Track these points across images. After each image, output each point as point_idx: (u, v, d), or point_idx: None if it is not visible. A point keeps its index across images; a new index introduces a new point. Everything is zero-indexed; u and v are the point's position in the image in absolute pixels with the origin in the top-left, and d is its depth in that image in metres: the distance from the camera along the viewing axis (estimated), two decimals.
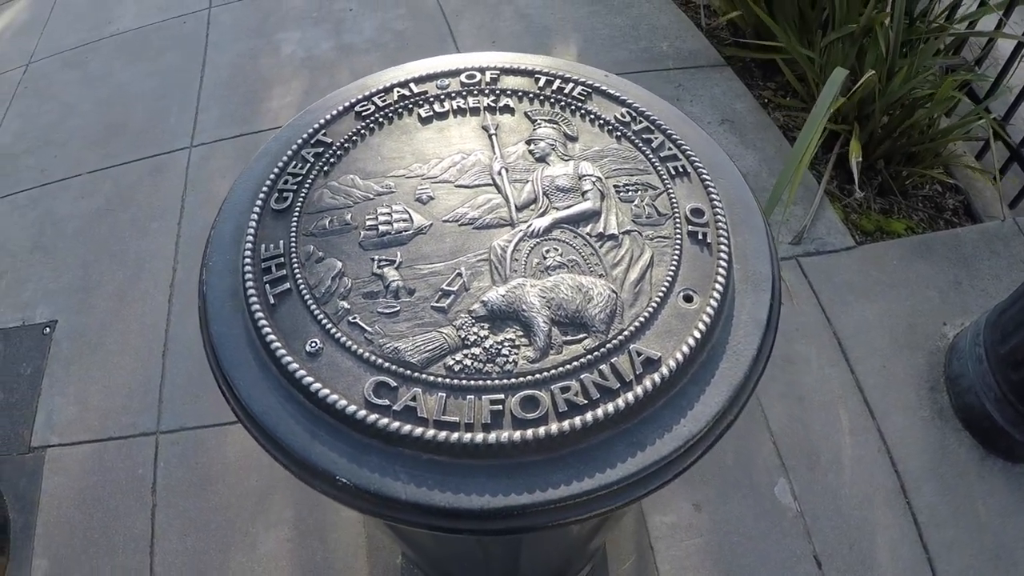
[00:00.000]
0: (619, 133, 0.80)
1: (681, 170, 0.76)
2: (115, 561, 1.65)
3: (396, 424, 0.57)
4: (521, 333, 0.62)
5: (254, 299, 0.65)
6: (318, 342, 0.63)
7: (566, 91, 0.85)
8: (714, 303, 0.64)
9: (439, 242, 0.70)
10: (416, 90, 0.86)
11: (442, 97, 0.85)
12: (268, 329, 0.63)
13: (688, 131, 0.82)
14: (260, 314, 0.65)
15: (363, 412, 0.58)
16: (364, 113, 0.84)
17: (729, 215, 0.73)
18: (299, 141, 0.80)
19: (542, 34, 2.63)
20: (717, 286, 0.65)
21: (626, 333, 0.62)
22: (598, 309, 0.63)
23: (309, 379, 0.60)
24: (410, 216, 0.71)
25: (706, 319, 0.63)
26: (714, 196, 0.73)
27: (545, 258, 0.67)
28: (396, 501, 0.56)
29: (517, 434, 0.56)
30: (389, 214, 0.71)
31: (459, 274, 0.66)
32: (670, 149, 0.78)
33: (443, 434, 0.57)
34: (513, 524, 0.56)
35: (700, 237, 0.69)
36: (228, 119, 2.55)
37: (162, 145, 2.48)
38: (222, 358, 0.64)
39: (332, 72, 2.61)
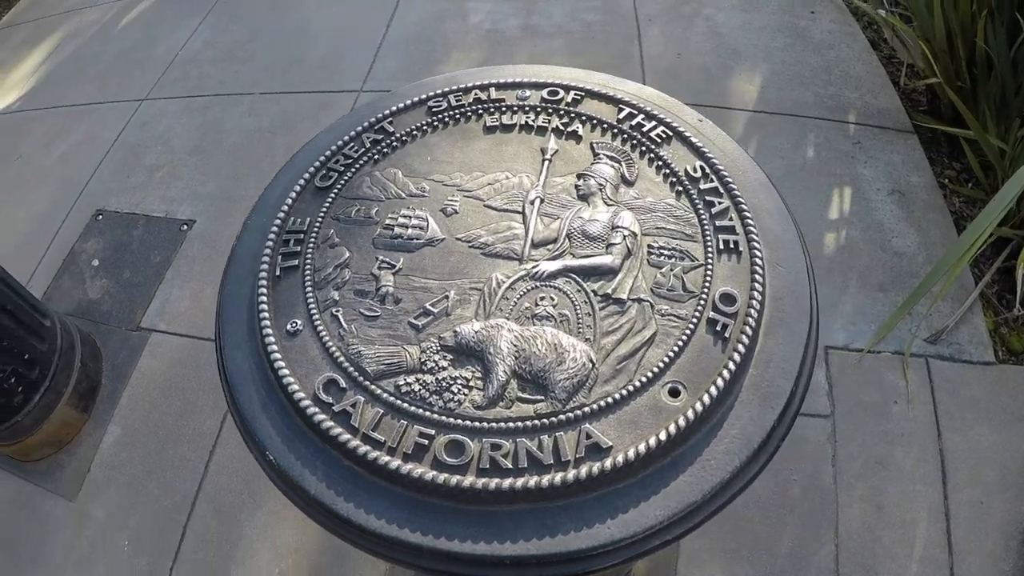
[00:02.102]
0: (681, 188, 0.75)
1: (733, 246, 0.70)
2: (178, 449, 1.93)
3: (330, 424, 0.61)
4: (479, 375, 0.63)
5: (264, 268, 0.73)
6: (299, 323, 0.69)
7: (645, 129, 0.82)
8: (701, 406, 0.59)
9: (443, 259, 0.72)
10: (494, 96, 0.88)
11: (515, 108, 0.86)
12: (264, 300, 0.71)
13: (764, 202, 0.75)
14: (263, 284, 0.72)
15: (307, 403, 0.63)
16: (435, 109, 0.88)
17: (769, 311, 0.67)
18: (365, 124, 0.86)
19: (729, 56, 2.52)
20: (713, 388, 0.60)
21: (585, 410, 0.60)
22: (566, 375, 0.61)
23: (277, 356, 0.67)
24: (428, 225, 0.74)
25: (683, 421, 0.58)
26: (757, 284, 0.66)
27: (537, 305, 0.66)
28: (305, 493, 0.61)
29: (431, 474, 0.58)
30: (409, 218, 0.74)
31: (446, 296, 0.68)
32: (731, 219, 0.72)
33: (366, 448, 0.60)
34: (395, 555, 0.59)
35: (719, 328, 0.64)
36: (402, 73, 2.77)
37: (333, 84, 2.76)
38: (224, 313, 0.73)
39: (511, 49, 2.70)
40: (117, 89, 3.07)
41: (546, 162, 0.78)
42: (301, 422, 0.63)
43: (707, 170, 0.76)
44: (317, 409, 0.62)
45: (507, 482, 0.56)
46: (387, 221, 0.74)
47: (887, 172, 2.04)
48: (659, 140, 0.80)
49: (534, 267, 0.68)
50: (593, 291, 0.66)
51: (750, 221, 0.72)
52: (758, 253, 0.69)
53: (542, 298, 0.66)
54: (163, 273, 2.01)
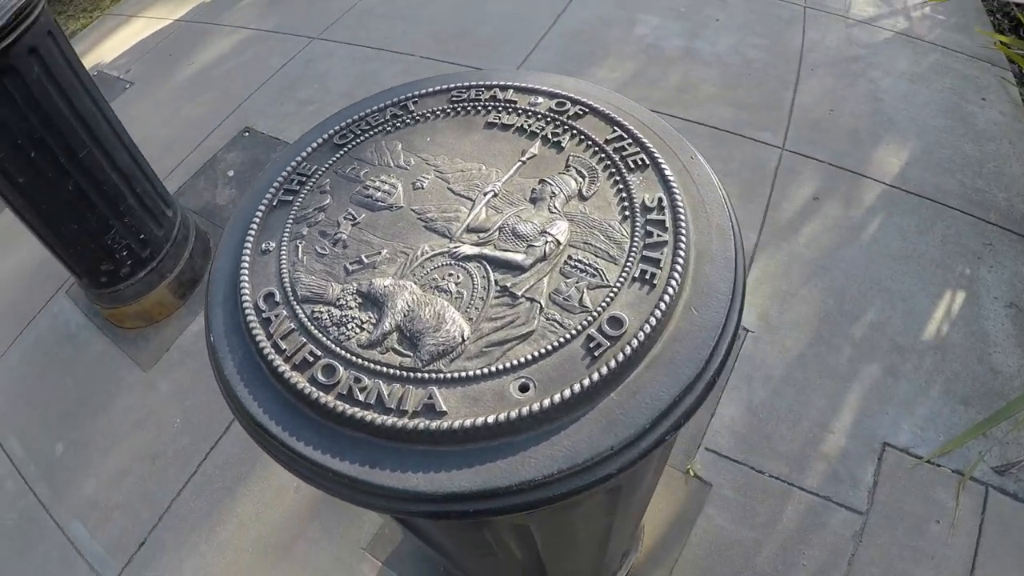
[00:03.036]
0: (630, 214, 0.80)
1: (649, 277, 0.74)
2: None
3: (255, 326, 0.76)
4: (373, 321, 0.75)
5: (266, 198, 0.90)
6: (272, 245, 0.85)
7: (625, 152, 0.87)
8: (541, 407, 0.66)
9: (394, 223, 0.83)
10: (510, 97, 0.98)
11: (521, 111, 0.95)
12: (256, 222, 0.87)
13: (714, 248, 0.78)
14: (262, 209, 0.89)
15: (248, 306, 0.78)
16: (455, 98, 0.99)
17: (660, 348, 0.70)
18: (393, 99, 1.00)
19: (883, 123, 2.38)
20: (559, 396, 0.66)
21: (439, 376, 0.69)
22: (435, 342, 0.71)
23: (245, 267, 0.83)
24: (395, 193, 0.86)
25: (519, 414, 0.65)
26: (654, 319, 0.70)
27: (443, 279, 0.76)
28: (222, 371, 0.77)
29: (305, 385, 0.70)
30: (383, 184, 0.87)
31: (379, 253, 0.80)
32: (662, 253, 0.75)
33: (270, 351, 0.73)
34: (258, 435, 0.73)
35: (593, 346, 0.69)
36: (554, 67, 2.92)
37: (488, 62, 2.98)
38: (230, 224, 0.92)
39: (665, 69, 2.75)
40: (294, 24, 3.54)
41: (519, 163, 0.88)
42: (241, 320, 0.79)
43: (664, 203, 0.80)
44: (252, 313, 0.77)
45: (354, 411, 0.68)
46: (367, 182, 0.88)
47: (1011, 282, 1.84)
48: (633, 166, 0.85)
49: (456, 247, 0.78)
50: (496, 281, 0.75)
51: (680, 259, 0.75)
52: (672, 290, 0.73)
53: (450, 274, 0.76)
54: None
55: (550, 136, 0.91)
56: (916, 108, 2.43)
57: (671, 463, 1.78)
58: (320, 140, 0.96)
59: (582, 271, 0.75)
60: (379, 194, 0.86)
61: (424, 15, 3.32)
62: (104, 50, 4.03)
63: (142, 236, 2.15)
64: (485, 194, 0.83)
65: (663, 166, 0.85)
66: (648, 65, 2.79)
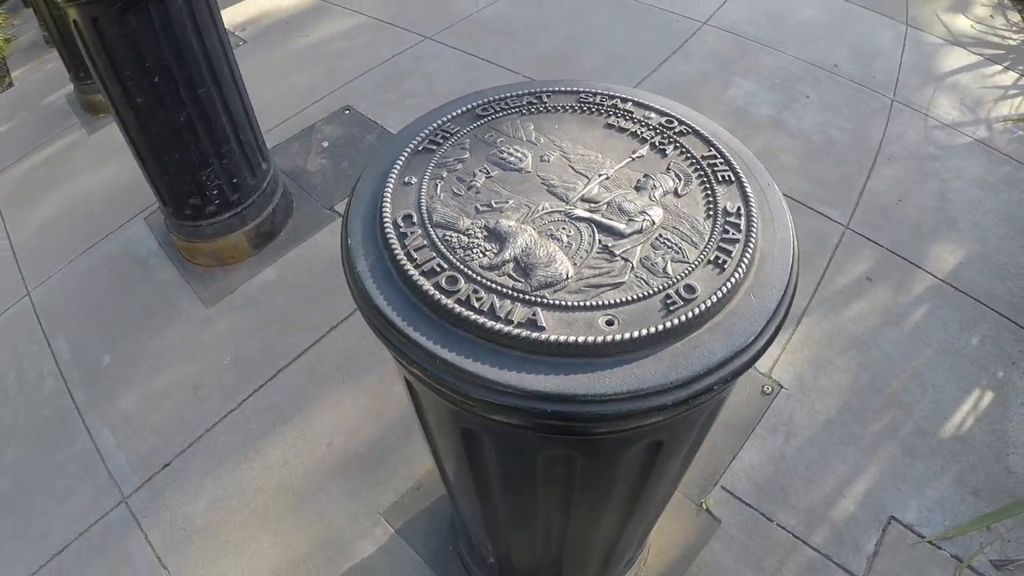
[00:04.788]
0: (713, 213, 1.01)
1: (721, 263, 0.95)
2: (309, 313, 2.48)
3: (392, 238, 0.98)
4: (495, 251, 0.96)
5: (412, 144, 1.13)
6: (413, 179, 1.07)
7: (717, 168, 1.08)
8: (622, 338, 0.86)
9: (521, 182, 1.05)
10: (628, 108, 1.20)
11: (636, 120, 1.18)
12: (401, 160, 1.10)
13: (776, 253, 0.97)
14: (407, 152, 1.12)
15: (388, 222, 0.99)
16: (583, 100, 1.22)
17: (721, 317, 0.91)
18: (530, 90, 1.24)
19: (945, 222, 2.58)
20: (639, 333, 0.86)
21: (542, 300, 0.88)
22: (544, 274, 0.91)
23: (388, 193, 1.05)
24: (525, 160, 1.09)
25: (600, 340, 0.85)
26: (721, 292, 0.91)
27: (556, 231, 0.98)
28: (355, 268, 0.99)
29: (431, 290, 0.91)
30: (517, 151, 1.10)
31: (506, 202, 1.02)
32: (734, 247, 0.95)
33: (403, 259, 0.94)
34: (382, 326, 0.95)
35: (669, 303, 0.89)
36: None
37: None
38: (373, 161, 1.15)
39: (750, 133, 2.99)
40: (410, 20, 3.87)
41: (629, 159, 1.10)
42: (378, 232, 1.01)
43: (742, 212, 1.01)
44: (390, 227, 0.99)
45: (468, 314, 0.88)
46: (503, 148, 1.11)
47: None
48: (721, 180, 1.07)
49: (571, 209, 1.00)
50: (599, 240, 0.96)
51: (748, 254, 0.95)
52: (738, 276, 0.93)
53: (563, 228, 0.97)
54: None
55: (657, 144, 1.13)
56: (981, 213, 2.61)
57: (686, 492, 1.95)
58: (463, 109, 1.20)
59: (668, 247, 0.96)
60: (512, 159, 1.09)
61: (535, 37, 3.64)
62: (224, 6, 4.42)
63: (235, 180, 2.42)
64: (600, 175, 1.05)
65: (745, 184, 1.06)
66: (735, 126, 3.04)
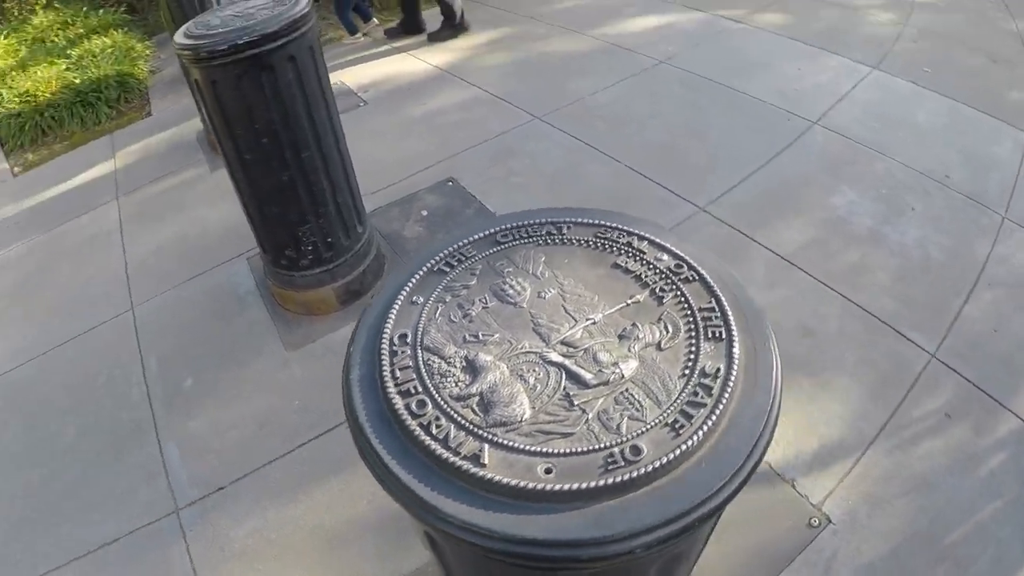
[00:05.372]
0: (689, 374, 1.03)
1: (678, 428, 0.97)
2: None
3: (384, 354, 1.11)
4: (467, 382, 1.05)
5: (432, 262, 1.27)
6: (420, 300, 1.19)
7: (710, 323, 1.10)
8: (552, 488, 0.92)
9: (512, 317, 1.13)
10: (641, 247, 1.26)
11: (645, 262, 1.23)
12: (415, 280, 1.23)
13: (747, 417, 1.00)
14: (423, 270, 1.25)
15: (385, 337, 1.12)
16: (599, 235, 1.29)
17: (665, 483, 0.94)
18: (550, 219, 1.33)
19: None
20: (568, 487, 0.93)
21: (492, 438, 0.95)
22: (502, 413, 0.98)
23: (394, 310, 1.17)
24: (522, 295, 1.18)
25: (534, 487, 0.92)
26: (666, 458, 0.94)
27: (527, 371, 1.05)
28: (348, 374, 1.11)
29: (401, 406, 1.03)
30: (516, 284, 1.19)
31: (492, 335, 1.11)
32: (698, 414, 0.98)
33: (388, 380, 1.07)
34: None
35: (610, 462, 0.91)
36: (744, 209, 3.16)
37: (684, 190, 3.30)
38: (400, 271, 1.29)
39: (848, 243, 2.90)
40: (523, 99, 4.08)
41: (624, 304, 1.16)
42: (376, 344, 1.13)
43: (720, 372, 1.03)
44: (386, 344, 1.11)
45: (426, 439, 0.97)
46: (507, 279, 1.21)
47: None
48: (711, 336, 1.09)
49: (547, 352, 1.07)
50: (565, 387, 1.03)
51: (710, 423, 0.98)
52: (691, 443, 0.96)
53: (534, 370, 1.05)
54: None
55: (658, 290, 1.18)
56: None
57: None
58: (484, 233, 1.31)
59: (631, 403, 1.01)
60: (510, 292, 1.18)
61: (643, 127, 3.74)
62: (352, 65, 4.88)
63: (329, 239, 2.67)
64: (587, 319, 1.12)
65: (734, 343, 1.08)
66: (831, 235, 2.96)
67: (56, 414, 2.75)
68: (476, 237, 1.31)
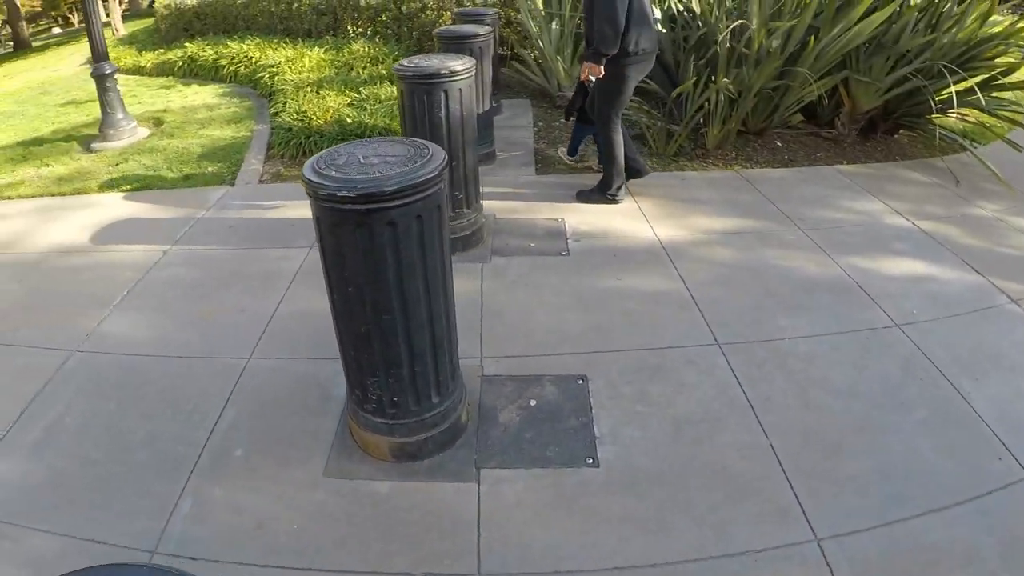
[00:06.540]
0: None
1: None
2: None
3: None
4: None
5: None
6: None
7: None
8: None
9: None
10: None
11: None
12: None
13: None
14: None
15: None
16: None
17: None
18: None
19: None
20: None
21: None
22: None
23: None
24: None
25: None
26: None
27: None
28: None
29: None
30: None
31: None
32: None
33: None
34: None
35: None
36: (855, 558, 2.45)
37: (812, 501, 2.74)
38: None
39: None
40: (717, 311, 3.79)
41: None
42: None
43: None
44: None
45: None
46: None
47: None
48: None
49: None
50: None
51: None
52: None
53: None
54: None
55: None
56: None
57: None
58: None
59: None
60: None
61: (825, 403, 3.09)
62: (588, 211, 4.92)
63: (395, 399, 2.51)
64: None
65: None
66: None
67: (140, 413, 3.04)
68: None
